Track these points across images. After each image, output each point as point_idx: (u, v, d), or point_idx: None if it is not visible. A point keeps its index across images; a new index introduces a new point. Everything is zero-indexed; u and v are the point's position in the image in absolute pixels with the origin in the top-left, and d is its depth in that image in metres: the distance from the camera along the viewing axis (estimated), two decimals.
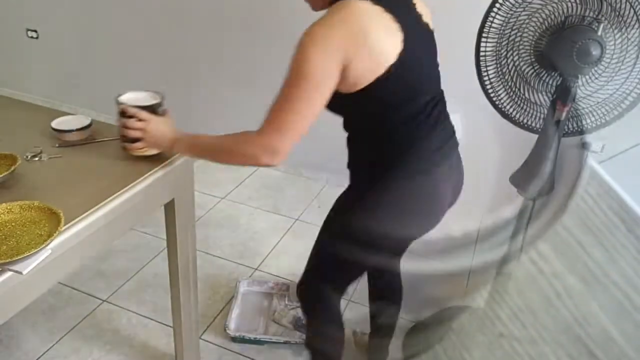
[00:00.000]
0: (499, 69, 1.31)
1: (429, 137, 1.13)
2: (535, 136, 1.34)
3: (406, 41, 1.01)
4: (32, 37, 3.14)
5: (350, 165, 1.22)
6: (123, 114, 1.19)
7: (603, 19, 1.17)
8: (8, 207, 0.94)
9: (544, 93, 1.31)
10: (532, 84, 1.31)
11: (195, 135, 1.16)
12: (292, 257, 2.19)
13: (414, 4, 1.12)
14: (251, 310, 1.83)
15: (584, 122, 1.32)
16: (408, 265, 2.23)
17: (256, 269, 2.09)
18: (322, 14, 1.02)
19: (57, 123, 1.29)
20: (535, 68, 1.28)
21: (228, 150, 1.09)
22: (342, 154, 1.23)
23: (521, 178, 1.39)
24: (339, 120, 1.17)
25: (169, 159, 1.20)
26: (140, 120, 1.17)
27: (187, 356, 1.58)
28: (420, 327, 1.86)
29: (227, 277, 2.03)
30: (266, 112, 1.04)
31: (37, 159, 1.17)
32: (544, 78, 1.29)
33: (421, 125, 1.11)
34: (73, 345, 1.68)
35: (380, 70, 1.00)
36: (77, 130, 1.27)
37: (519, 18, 1.24)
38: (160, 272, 2.02)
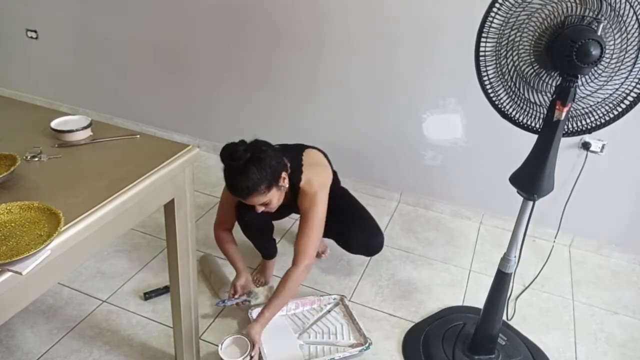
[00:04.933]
0: (498, 69, 1.31)
1: None
2: (535, 136, 1.34)
3: None
4: (32, 37, 3.14)
5: None
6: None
7: (603, 19, 1.17)
8: (7, 208, 0.94)
9: (543, 93, 1.31)
10: (531, 84, 1.31)
11: (269, 309, 1.65)
12: (291, 257, 2.19)
13: None
14: (277, 337, 1.75)
15: (584, 122, 1.33)
16: (409, 266, 2.23)
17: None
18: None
19: (56, 123, 1.29)
20: (535, 68, 1.28)
21: (294, 291, 1.70)
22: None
23: (521, 178, 1.39)
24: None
25: (169, 158, 1.20)
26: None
27: (187, 356, 1.58)
28: (420, 327, 1.86)
29: (227, 278, 2.02)
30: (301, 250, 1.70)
31: (36, 159, 1.17)
32: (543, 78, 1.29)
33: None
34: (73, 346, 1.68)
35: None
36: (77, 130, 1.27)
37: (519, 18, 1.24)
38: (160, 272, 2.02)
